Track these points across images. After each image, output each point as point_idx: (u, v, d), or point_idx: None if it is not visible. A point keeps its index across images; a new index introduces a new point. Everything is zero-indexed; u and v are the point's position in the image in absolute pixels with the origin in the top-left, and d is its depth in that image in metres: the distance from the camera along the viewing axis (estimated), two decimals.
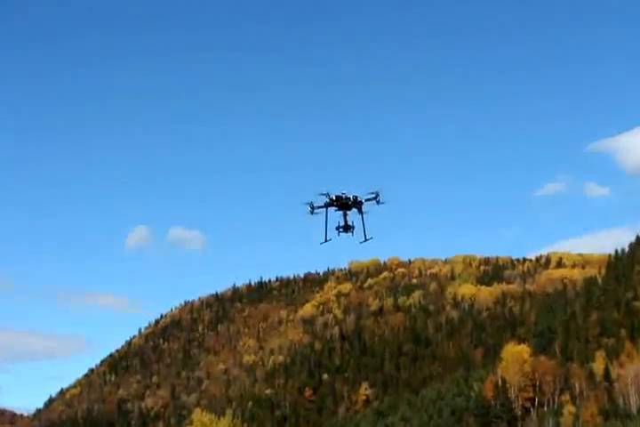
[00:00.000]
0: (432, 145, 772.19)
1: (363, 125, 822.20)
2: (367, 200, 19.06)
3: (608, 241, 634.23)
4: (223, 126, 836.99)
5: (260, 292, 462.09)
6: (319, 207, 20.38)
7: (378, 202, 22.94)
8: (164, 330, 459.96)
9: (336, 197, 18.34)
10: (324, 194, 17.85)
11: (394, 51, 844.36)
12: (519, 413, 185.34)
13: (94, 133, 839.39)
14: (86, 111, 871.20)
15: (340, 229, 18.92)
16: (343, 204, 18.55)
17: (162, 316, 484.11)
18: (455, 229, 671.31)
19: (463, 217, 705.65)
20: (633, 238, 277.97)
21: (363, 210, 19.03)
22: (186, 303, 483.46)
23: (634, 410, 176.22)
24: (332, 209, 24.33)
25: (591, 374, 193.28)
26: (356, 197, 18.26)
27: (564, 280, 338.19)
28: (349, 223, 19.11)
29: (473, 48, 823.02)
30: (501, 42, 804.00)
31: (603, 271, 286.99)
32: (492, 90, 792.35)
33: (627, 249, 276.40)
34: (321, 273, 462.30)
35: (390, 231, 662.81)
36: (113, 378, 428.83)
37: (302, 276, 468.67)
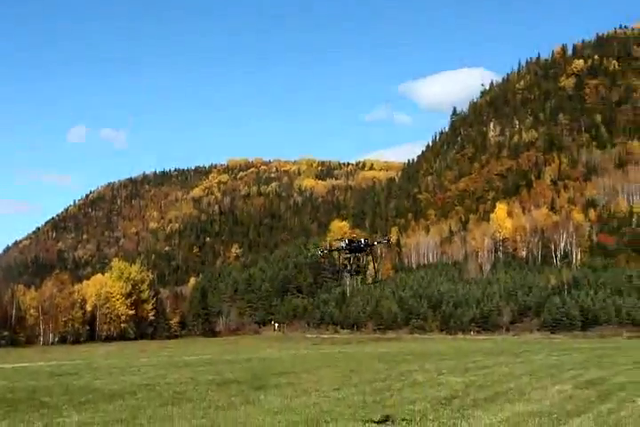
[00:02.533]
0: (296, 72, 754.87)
1: None
2: (379, 243, 15.81)
3: (406, 153, 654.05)
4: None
5: (162, 178, 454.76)
6: (330, 251, 16.59)
7: (390, 245, 20.11)
8: (92, 202, 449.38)
9: (349, 240, 15.29)
10: (339, 239, 14.85)
11: None
12: (340, 267, 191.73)
13: (39, 32, 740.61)
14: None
15: (352, 273, 15.67)
16: (355, 247, 15.13)
17: (90, 192, 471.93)
18: (304, 137, 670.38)
19: (309, 128, 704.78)
20: (420, 152, 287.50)
21: (373, 253, 15.47)
22: (109, 184, 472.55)
23: (414, 266, 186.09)
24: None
25: (389, 245, 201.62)
26: (367, 240, 15.19)
27: (374, 179, 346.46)
28: (359, 267, 15.95)
29: None
30: None
31: (400, 174, 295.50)
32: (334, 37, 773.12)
33: (416, 159, 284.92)
34: (207, 166, 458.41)
35: (258, 136, 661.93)
36: (54, 235, 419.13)
37: (193, 167, 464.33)
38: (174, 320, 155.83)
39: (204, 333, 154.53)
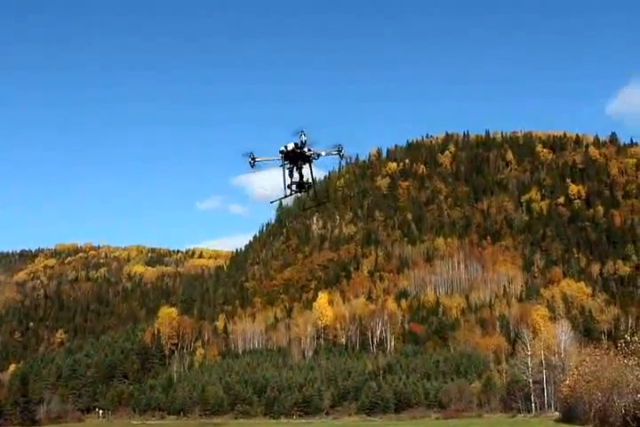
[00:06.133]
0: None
1: None
2: (328, 155, 14.28)
3: (239, 243, 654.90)
4: None
5: None
6: (268, 160, 14.52)
7: (341, 156, 16.85)
8: None
9: (295, 145, 13.60)
10: (299, 140, 12.68)
11: None
12: (167, 353, 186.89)
13: None
14: None
15: (294, 187, 14.29)
16: (299, 155, 13.23)
17: None
18: (135, 223, 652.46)
19: (144, 215, 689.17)
20: (247, 242, 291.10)
21: (313, 166, 14.34)
22: None
23: (240, 352, 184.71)
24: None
25: (215, 329, 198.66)
26: (312, 150, 13.76)
27: (203, 267, 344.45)
28: (304, 180, 14.26)
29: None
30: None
31: (228, 262, 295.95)
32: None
33: (243, 248, 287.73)
34: (33, 250, 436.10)
35: (90, 221, 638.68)
36: None
37: (19, 251, 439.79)
38: None
39: (22, 422, 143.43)
